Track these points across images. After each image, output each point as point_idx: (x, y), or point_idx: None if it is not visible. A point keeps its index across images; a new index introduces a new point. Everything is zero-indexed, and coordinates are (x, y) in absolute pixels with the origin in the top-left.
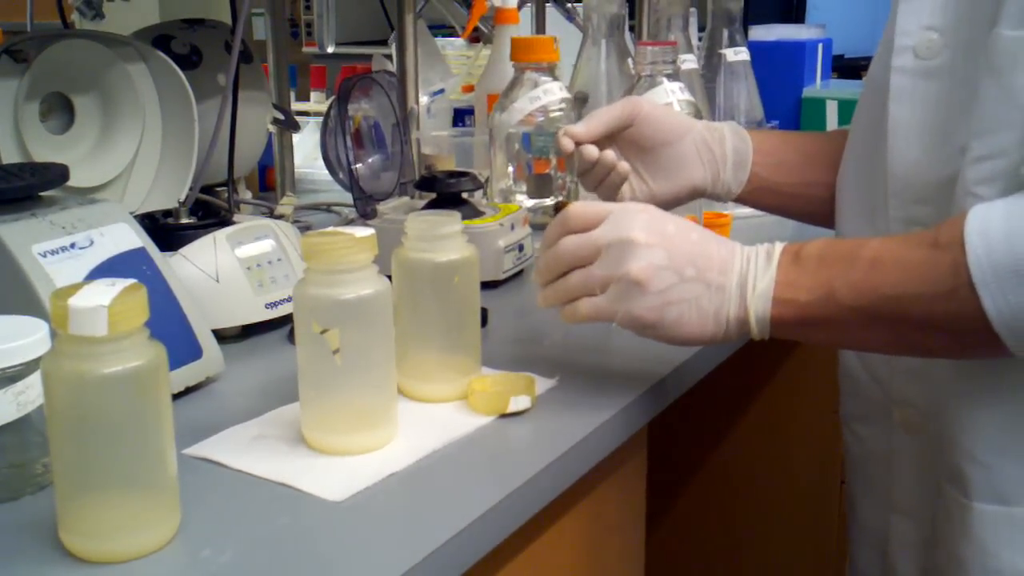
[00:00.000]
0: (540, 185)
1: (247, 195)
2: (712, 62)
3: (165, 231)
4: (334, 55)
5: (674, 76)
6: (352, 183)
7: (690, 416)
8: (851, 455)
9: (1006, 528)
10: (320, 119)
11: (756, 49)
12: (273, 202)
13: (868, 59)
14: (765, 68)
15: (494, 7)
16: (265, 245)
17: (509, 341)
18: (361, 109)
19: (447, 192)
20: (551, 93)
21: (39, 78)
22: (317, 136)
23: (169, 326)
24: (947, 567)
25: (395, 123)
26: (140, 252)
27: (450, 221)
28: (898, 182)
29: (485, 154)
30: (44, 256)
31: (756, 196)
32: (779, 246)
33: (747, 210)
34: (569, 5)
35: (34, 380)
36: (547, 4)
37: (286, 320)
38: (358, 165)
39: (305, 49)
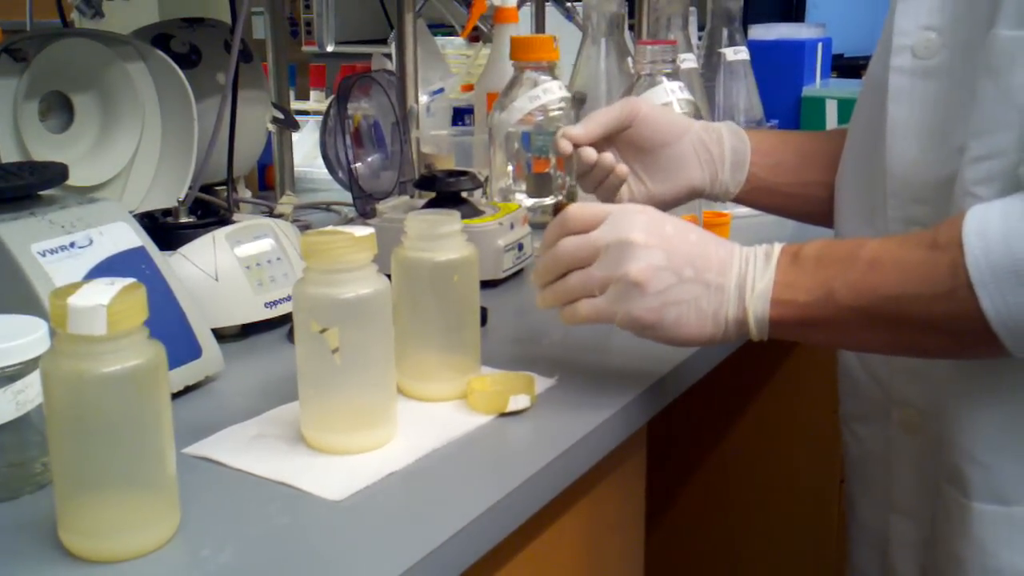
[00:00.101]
0: (539, 184)
1: (246, 194)
2: (712, 61)
3: (164, 230)
4: (333, 54)
5: (674, 75)
6: (351, 182)
7: (690, 416)
8: (850, 455)
9: (1005, 528)
10: (319, 118)
11: (756, 48)
12: (272, 201)
13: (868, 58)
14: (765, 67)
15: (493, 6)
16: (264, 244)
17: (508, 340)
18: (361, 108)
19: (446, 191)
20: (550, 92)
21: (38, 77)
22: (316, 135)
23: (168, 325)
24: (946, 567)
25: (395, 122)
26: (139, 251)
27: (449, 220)
28: (896, 182)
29: (484, 153)
30: (43, 255)
31: (754, 196)
32: (778, 247)
33: (746, 210)
34: (568, 4)
35: (33, 379)
36: (547, 3)
37: (285, 319)
38: (357, 164)
39: (304, 48)
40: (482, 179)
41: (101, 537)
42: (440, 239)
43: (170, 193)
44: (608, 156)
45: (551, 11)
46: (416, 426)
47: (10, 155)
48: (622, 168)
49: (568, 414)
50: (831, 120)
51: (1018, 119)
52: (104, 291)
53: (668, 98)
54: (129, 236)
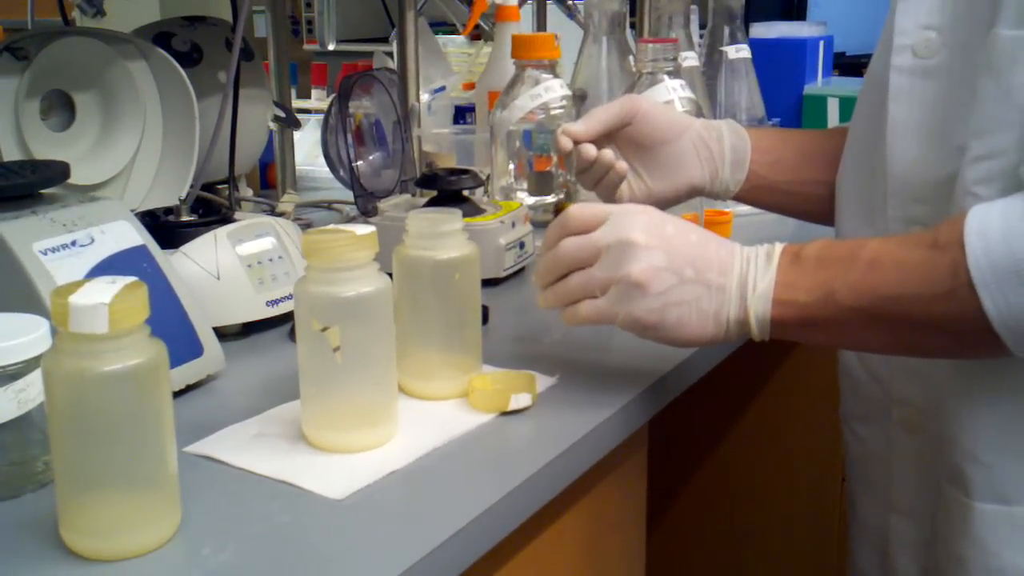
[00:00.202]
0: (541, 182)
1: (248, 193)
2: (713, 59)
3: (166, 229)
4: (335, 52)
5: (675, 74)
6: (353, 180)
7: (690, 415)
8: (851, 454)
9: (1006, 527)
10: (321, 116)
11: (757, 46)
12: (274, 199)
13: (869, 56)
14: (766, 65)
15: (495, 4)
16: (266, 243)
17: (510, 339)
18: (362, 106)
19: (448, 190)
20: (552, 90)
21: (40, 75)
22: (318, 133)
23: (170, 324)
24: (948, 566)
25: (396, 120)
26: (141, 250)
27: (451, 219)
28: (897, 181)
29: (486, 151)
30: (45, 254)
31: (754, 194)
32: (779, 247)
33: (748, 208)
34: (570, 2)
35: (35, 378)
36: (548, 1)
37: (287, 318)
38: (359, 162)
39: (306, 46)
40: (483, 177)
41: (102, 536)
42: (441, 237)
43: (171, 191)
44: (608, 153)
45: (552, 9)
46: (417, 425)
47: (11, 154)
48: (621, 165)
49: (569, 413)
50: (833, 118)
51: (1018, 119)
52: (105, 289)
53: (670, 96)
54: (130, 234)
